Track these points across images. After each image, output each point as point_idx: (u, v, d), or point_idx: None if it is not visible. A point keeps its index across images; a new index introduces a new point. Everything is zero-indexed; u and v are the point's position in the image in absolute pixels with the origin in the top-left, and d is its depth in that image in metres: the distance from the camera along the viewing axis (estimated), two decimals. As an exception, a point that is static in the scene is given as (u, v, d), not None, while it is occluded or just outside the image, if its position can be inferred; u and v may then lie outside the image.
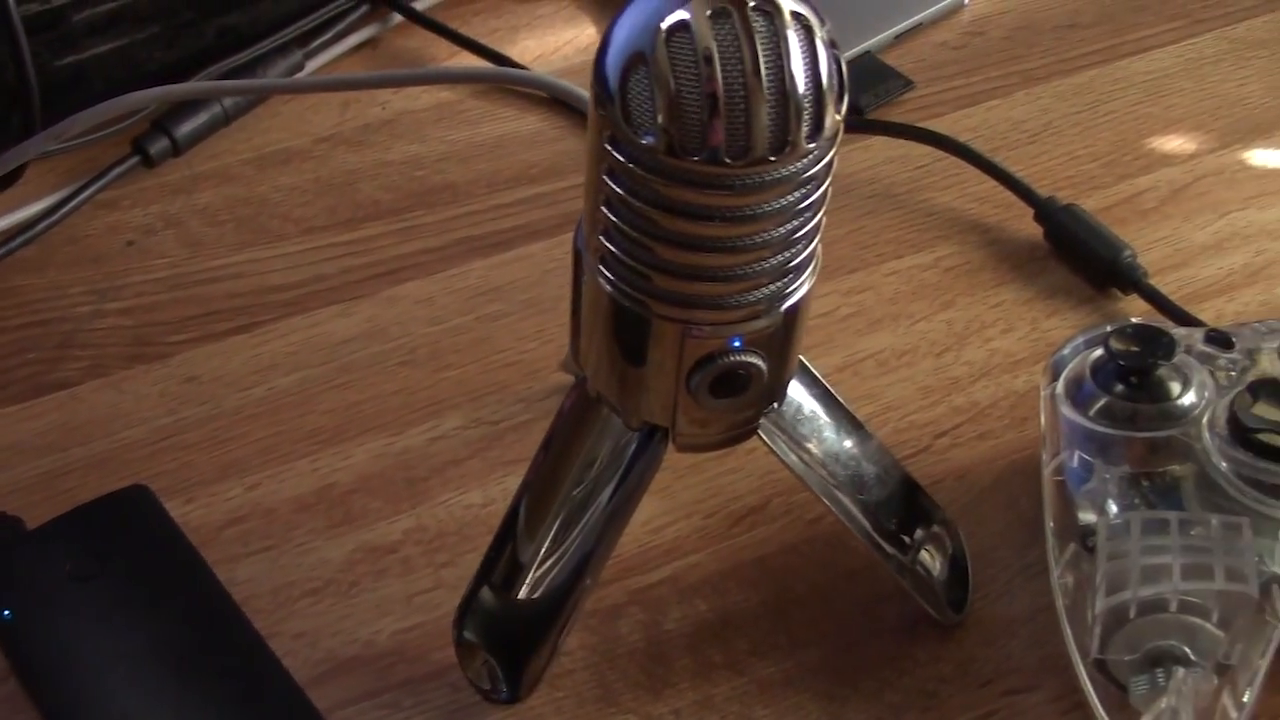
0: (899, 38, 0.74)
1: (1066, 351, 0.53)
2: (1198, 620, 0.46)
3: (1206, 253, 0.64)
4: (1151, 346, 0.50)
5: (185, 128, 0.68)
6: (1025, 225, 0.65)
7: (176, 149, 0.68)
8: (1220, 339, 0.51)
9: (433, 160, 0.69)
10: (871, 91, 0.71)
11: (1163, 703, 0.45)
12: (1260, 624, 0.46)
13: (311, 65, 0.72)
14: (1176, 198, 0.66)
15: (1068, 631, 0.48)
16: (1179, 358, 0.51)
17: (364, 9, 0.74)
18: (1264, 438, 0.47)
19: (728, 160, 0.38)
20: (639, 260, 0.41)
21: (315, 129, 0.70)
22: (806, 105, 0.39)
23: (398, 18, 0.75)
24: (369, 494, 0.56)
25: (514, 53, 0.74)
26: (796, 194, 0.40)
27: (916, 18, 0.74)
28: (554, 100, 0.71)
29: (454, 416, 0.59)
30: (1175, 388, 0.50)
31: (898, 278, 0.63)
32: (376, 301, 0.63)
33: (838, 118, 0.40)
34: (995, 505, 0.55)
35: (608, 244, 0.42)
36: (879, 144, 0.68)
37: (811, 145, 0.39)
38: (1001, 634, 0.52)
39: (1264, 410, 0.47)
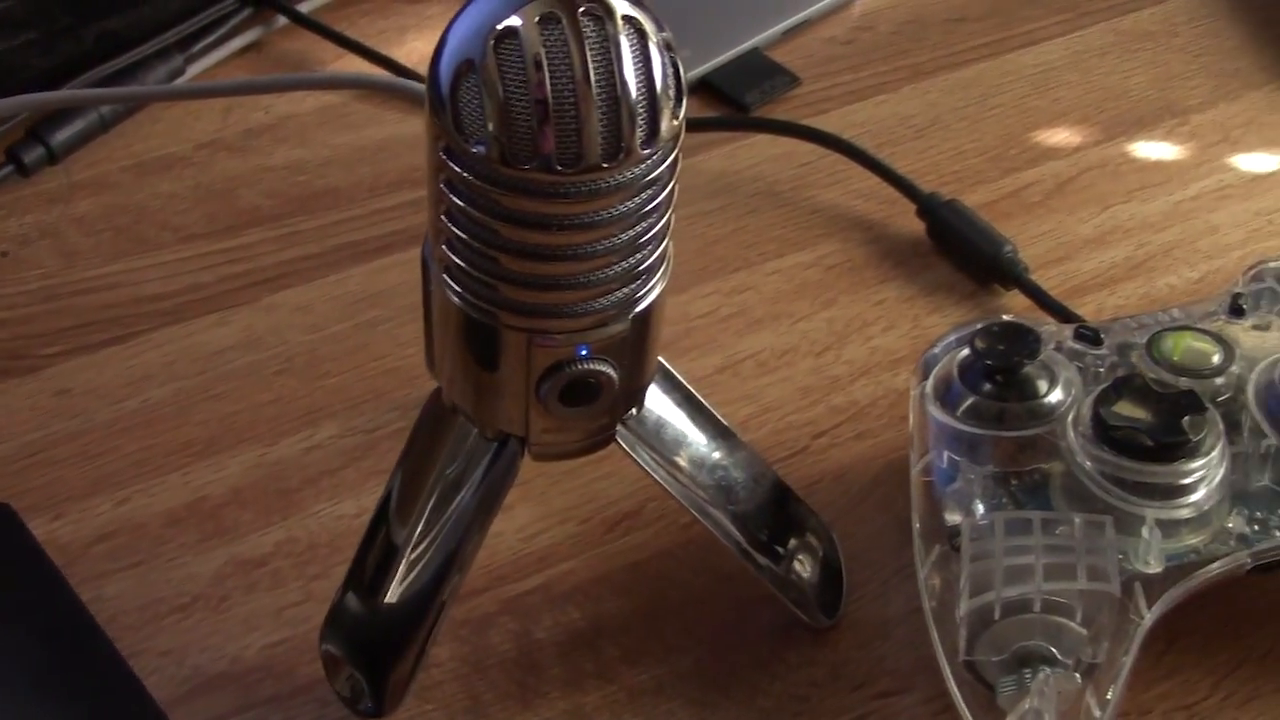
0: (787, 34, 0.73)
1: (937, 350, 0.52)
2: (1062, 620, 0.45)
3: (1089, 246, 0.64)
4: (1017, 345, 0.49)
5: (61, 135, 0.67)
6: (909, 222, 0.64)
7: (53, 157, 0.67)
8: (1089, 335, 0.51)
9: (315, 165, 0.68)
10: (757, 89, 0.70)
11: (1025, 704, 0.45)
12: (1124, 622, 0.46)
13: (193, 70, 0.71)
14: (1061, 191, 0.66)
15: (934, 634, 0.47)
16: (1047, 355, 0.50)
17: (247, 12, 0.73)
18: (1124, 436, 0.46)
19: (560, 168, 0.38)
20: (482, 270, 0.41)
21: (197, 135, 0.69)
22: (640, 110, 0.38)
23: (282, 20, 0.74)
24: (241, 506, 0.55)
25: (401, 54, 0.73)
26: (637, 199, 0.40)
27: (805, 13, 0.74)
28: (438, 102, 0.70)
29: (329, 425, 0.58)
30: (1042, 385, 0.49)
31: (780, 276, 0.63)
32: (255, 310, 0.62)
33: (675, 122, 0.39)
34: (872, 506, 0.55)
35: (451, 254, 0.41)
36: (763, 142, 0.68)
37: (647, 151, 0.38)
38: (875, 636, 0.52)
39: (1125, 408, 0.47)
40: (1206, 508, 0.47)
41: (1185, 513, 0.47)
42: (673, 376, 0.48)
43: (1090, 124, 0.69)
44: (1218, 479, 0.47)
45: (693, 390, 0.49)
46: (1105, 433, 0.47)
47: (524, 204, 0.39)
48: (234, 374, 0.59)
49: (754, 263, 0.63)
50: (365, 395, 0.59)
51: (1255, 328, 0.52)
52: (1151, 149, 0.68)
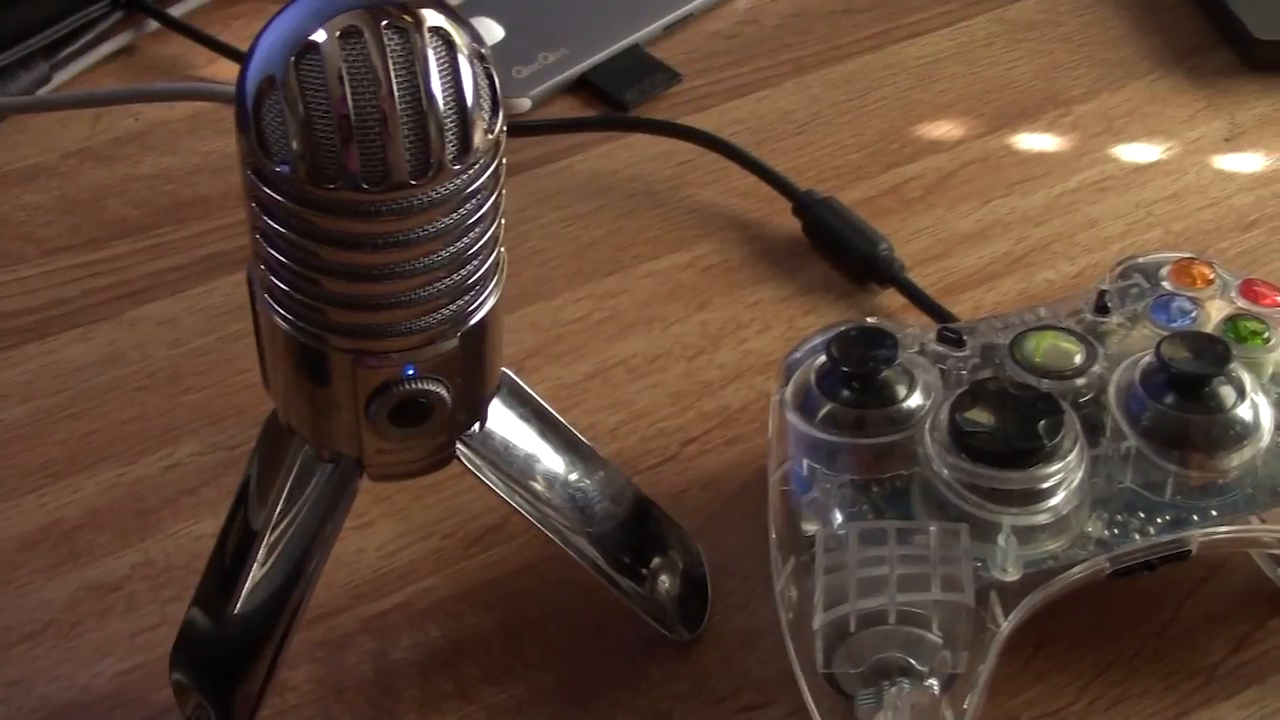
0: (670, 29, 0.72)
1: (799, 354, 0.51)
2: (918, 631, 0.45)
3: (968, 242, 0.63)
4: (874, 350, 0.48)
5: (-79, 148, 0.65)
6: (786, 220, 0.63)
7: (-88, 170, 0.65)
8: (952, 337, 0.50)
9: (185, 173, 0.66)
10: (637, 86, 0.69)
11: (880, 717, 0.44)
12: (980, 632, 0.45)
13: (60, 77, 0.70)
14: (942, 185, 0.65)
15: (791, 647, 0.47)
16: (908, 358, 0.49)
17: (117, 16, 0.72)
18: (979, 441, 0.46)
19: (367, 187, 0.37)
20: (301, 291, 0.40)
21: (64, 143, 0.68)
22: (450, 124, 0.37)
23: (153, 24, 0.73)
24: (97, 529, 0.54)
25: (277, 56, 0.72)
26: (457, 213, 0.39)
27: (688, 7, 0.73)
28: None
29: (190, 443, 0.56)
30: (901, 390, 0.48)
31: (654, 279, 0.62)
32: (118, 324, 0.60)
33: (489, 135, 0.38)
34: (740, 514, 0.54)
35: (269, 274, 0.40)
36: (642, 141, 0.67)
37: (459, 166, 0.37)
38: (740, 649, 0.51)
39: (980, 413, 0.46)
40: (1065, 512, 0.46)
41: (1043, 518, 0.46)
42: (521, 391, 0.47)
43: (973, 116, 0.68)
44: (1076, 482, 0.46)
45: (545, 404, 0.48)
46: (960, 439, 0.46)
47: (335, 224, 0.38)
48: (94, 391, 0.58)
49: (628, 265, 0.62)
50: (228, 411, 0.57)
51: (1120, 325, 0.51)
52: (1034, 140, 0.67)
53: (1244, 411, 0.47)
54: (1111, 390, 0.48)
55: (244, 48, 0.70)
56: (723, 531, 0.53)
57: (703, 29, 0.73)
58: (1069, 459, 0.46)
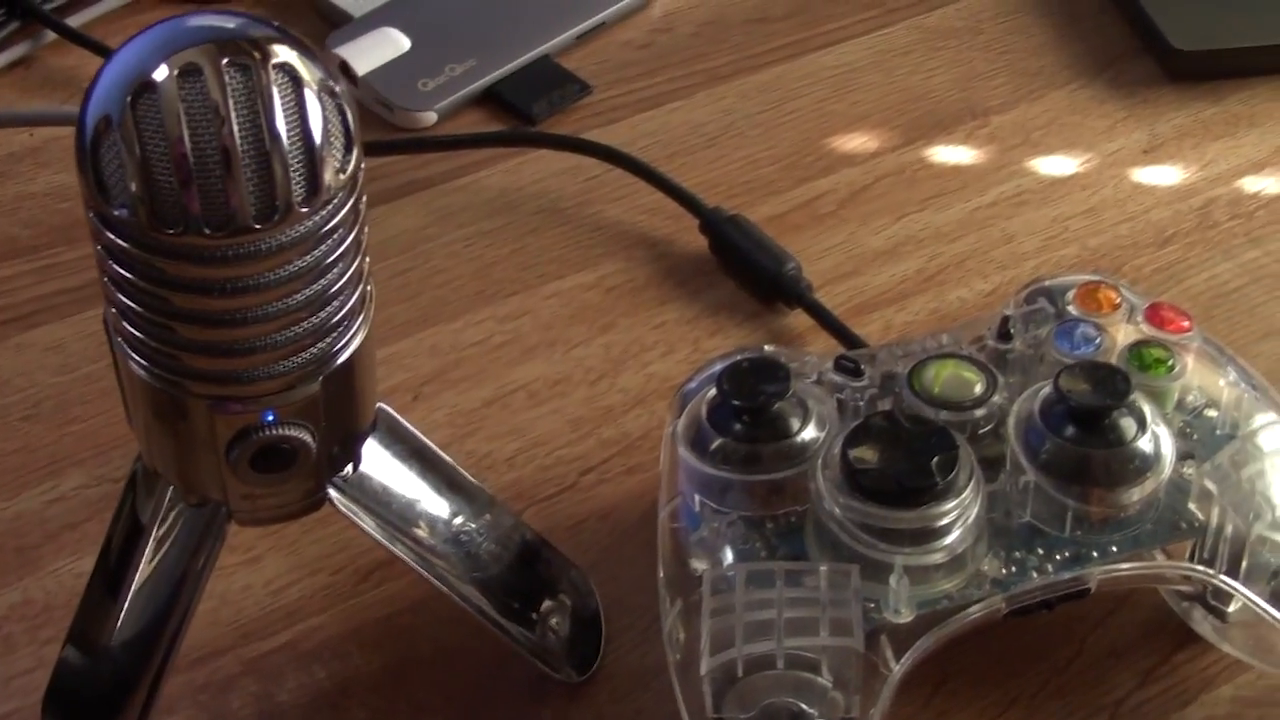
0: (582, 38, 0.70)
1: (694, 384, 0.50)
2: (808, 675, 0.43)
3: (880, 259, 0.62)
4: (766, 382, 0.47)
5: None
6: (693, 238, 0.62)
7: None
8: (850, 367, 0.49)
9: (79, 191, 0.64)
10: (545, 99, 0.67)
11: (768, 766, 0.42)
12: (872, 675, 0.43)
13: (-48, 91, 0.68)
14: (855, 200, 0.64)
15: (679, 691, 0.45)
16: (803, 388, 0.48)
17: (13, 26, 0.70)
18: (869, 480, 0.44)
19: (208, 231, 0.35)
20: (152, 336, 0.38)
21: (-44, 160, 0.66)
22: (296, 165, 0.35)
23: (51, 35, 0.71)
24: (-26, 567, 0.52)
25: (180, 68, 0.70)
26: (311, 255, 0.37)
27: (599, 16, 0.71)
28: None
29: (76, 475, 0.55)
30: (795, 423, 0.47)
31: (558, 300, 0.60)
32: (2, 350, 0.59)
33: (342, 175, 0.36)
34: (638, 546, 0.52)
35: (120, 318, 0.38)
36: (549, 156, 0.65)
37: (307, 209, 0.36)
38: (634, 688, 0.49)
39: (872, 449, 0.45)
40: (960, 550, 0.44)
41: (936, 558, 0.44)
42: (400, 429, 0.46)
43: (889, 128, 0.67)
44: (972, 519, 0.45)
45: (427, 442, 0.47)
46: (851, 477, 0.44)
47: (181, 269, 0.36)
48: (-22, 422, 0.56)
49: (532, 285, 0.61)
50: (116, 441, 0.56)
51: (1023, 353, 0.49)
52: (950, 153, 0.66)
53: (1145, 444, 0.46)
54: (1011, 422, 0.47)
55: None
56: (619, 565, 0.52)
57: (615, 38, 0.71)
58: (964, 496, 0.44)
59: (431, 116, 0.67)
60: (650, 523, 0.52)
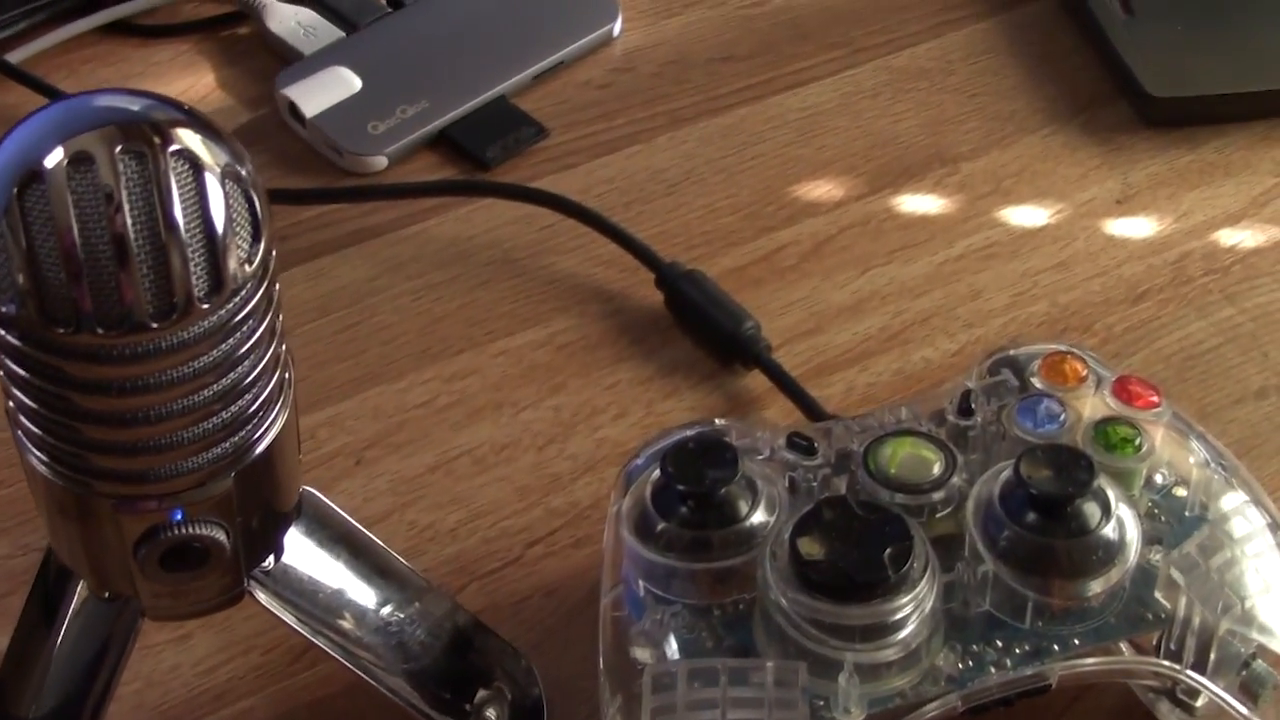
0: (539, 78, 0.68)
1: (640, 461, 0.48)
2: (753, 778, 0.41)
3: (843, 315, 0.59)
4: (713, 464, 0.44)
5: None
6: (649, 292, 0.60)
7: None
8: (803, 445, 0.47)
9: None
10: (499, 143, 0.65)
11: None
12: (823, 778, 0.41)
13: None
14: (818, 252, 0.62)
15: (619, 791, 0.43)
16: (753, 467, 0.46)
17: (-50, 64, 0.68)
18: (819, 573, 0.42)
19: (100, 330, 0.33)
20: (51, 434, 0.36)
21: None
22: (195, 258, 0.33)
23: (-9, 71, 0.68)
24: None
25: (124, 106, 0.67)
26: (218, 350, 0.35)
27: (558, 55, 0.69)
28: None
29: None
30: (743, 507, 0.45)
31: (507, 358, 0.58)
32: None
33: (248, 266, 0.34)
34: (585, 625, 0.50)
35: (17, 411, 0.36)
36: (502, 203, 0.63)
37: (208, 305, 0.33)
38: (576, 780, 0.47)
39: (822, 539, 0.42)
40: (914, 645, 0.42)
41: (889, 654, 0.42)
42: (326, 513, 0.44)
43: (855, 175, 0.65)
44: (927, 611, 0.42)
45: (355, 525, 0.44)
46: (799, 569, 0.42)
47: (76, 368, 0.34)
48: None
49: (480, 342, 0.58)
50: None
51: (984, 429, 0.47)
52: (918, 202, 0.64)
53: (1109, 532, 0.44)
54: (970, 506, 0.45)
55: (88, 97, 0.67)
56: (564, 646, 0.50)
57: (575, 77, 0.69)
58: (918, 589, 0.42)
59: (382, 161, 0.64)
60: (597, 599, 0.50)
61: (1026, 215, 0.63)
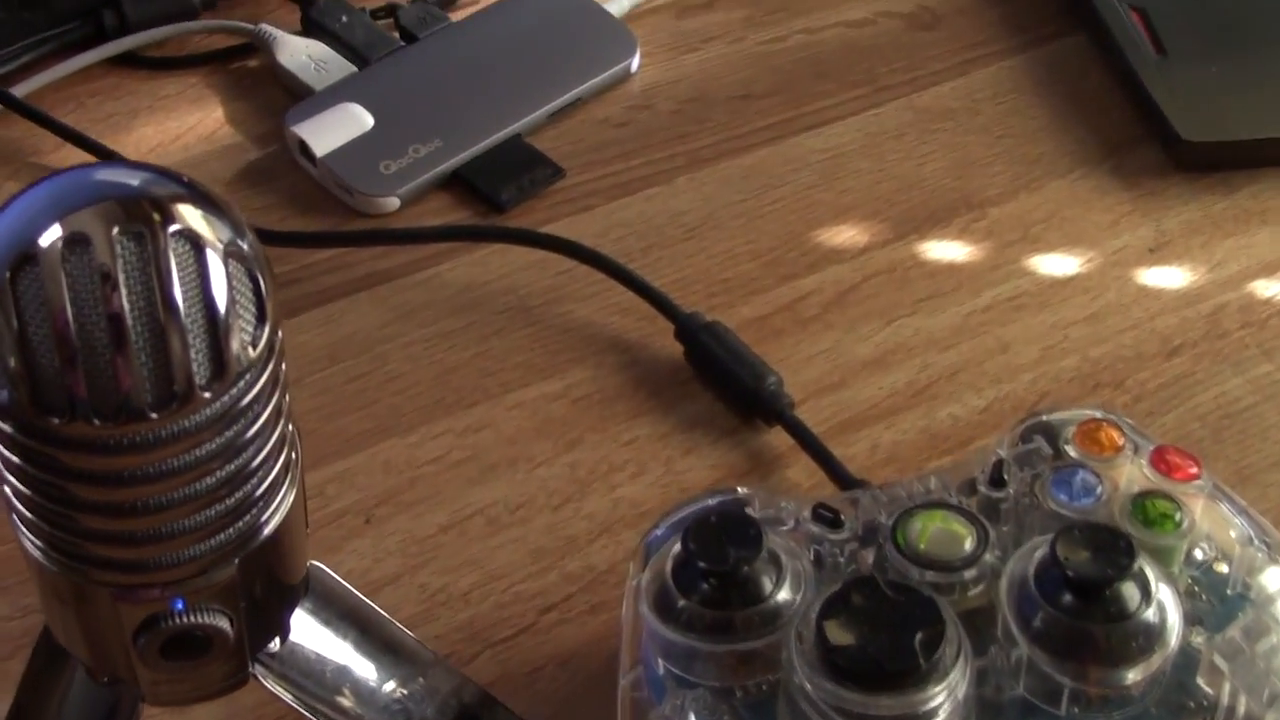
0: (555, 115, 0.66)
1: (660, 531, 0.46)
2: None
3: (868, 369, 0.58)
4: (736, 540, 0.43)
5: None
6: (668, 342, 0.58)
7: None
8: (828, 517, 0.45)
9: None
10: (515, 184, 0.63)
11: None
12: None
13: (-115, 169, 0.64)
14: (842, 302, 0.60)
15: None
16: (776, 542, 0.44)
17: (-47, 98, 0.66)
18: (847, 659, 0.40)
19: (96, 420, 0.31)
20: (45, 520, 0.34)
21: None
22: (196, 343, 0.31)
23: (-3, 105, 0.67)
24: (-118, 710, 0.48)
25: (130, 141, 0.66)
26: (222, 438, 0.33)
27: (575, 92, 0.67)
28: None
29: (-2, 604, 0.51)
30: (767, 585, 0.43)
31: (522, 411, 0.56)
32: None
33: (253, 350, 0.32)
34: (601, 697, 0.48)
35: (13, 498, 0.34)
36: (517, 248, 0.61)
37: (211, 393, 0.32)
38: None
39: (850, 623, 0.41)
40: (945, 734, 0.41)
41: (920, 743, 0.40)
42: (332, 589, 0.42)
43: (879, 219, 0.63)
44: (960, 698, 0.41)
45: (361, 599, 0.43)
46: (827, 654, 0.40)
47: (71, 457, 0.32)
48: None
49: (494, 394, 0.57)
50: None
51: (1017, 502, 0.45)
52: (944, 249, 0.62)
53: (1150, 615, 0.42)
54: (1004, 584, 0.43)
55: (97, 130, 0.65)
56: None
57: (592, 115, 0.67)
58: (950, 677, 0.40)
59: (394, 202, 0.63)
60: (615, 670, 0.48)
61: (1056, 264, 0.61)
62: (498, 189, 0.63)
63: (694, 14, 0.71)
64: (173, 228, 0.31)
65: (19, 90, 0.67)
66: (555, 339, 0.59)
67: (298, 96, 0.67)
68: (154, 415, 0.31)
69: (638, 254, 0.61)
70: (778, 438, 0.55)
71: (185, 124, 0.67)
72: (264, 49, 0.68)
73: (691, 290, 0.60)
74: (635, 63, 0.68)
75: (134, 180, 0.32)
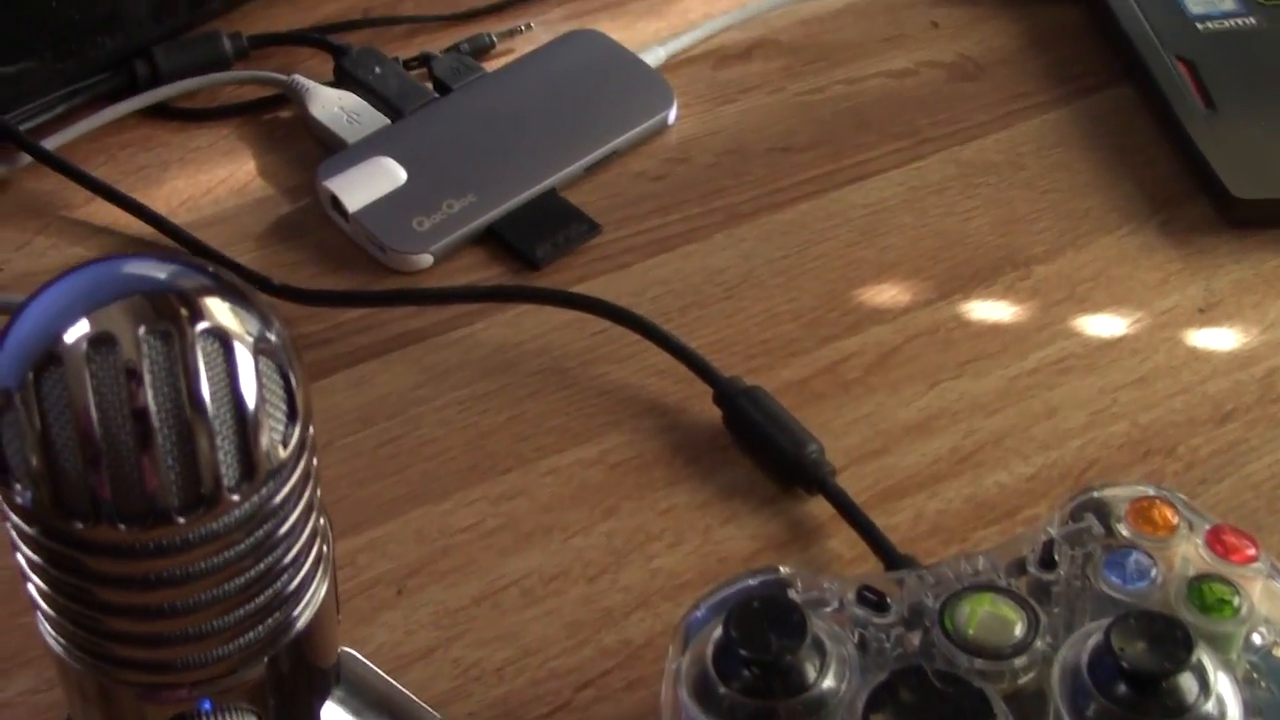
0: (591, 169, 0.65)
1: (701, 612, 0.44)
2: None
3: (911, 435, 0.56)
4: (778, 627, 0.41)
5: None
6: (707, 406, 0.57)
7: None
8: (873, 600, 0.44)
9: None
10: (549, 240, 0.62)
11: None
12: None
13: (-85, 223, 0.63)
14: (884, 364, 0.59)
15: None
16: (820, 626, 0.43)
17: (-15, 149, 0.65)
18: (894, 757, 0.39)
19: (121, 524, 0.30)
20: (70, 620, 0.33)
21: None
22: (224, 444, 0.30)
23: (27, 158, 0.66)
24: (-95, 787, 0.47)
25: (161, 195, 0.65)
26: (251, 539, 0.32)
27: (611, 145, 0.66)
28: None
29: (23, 678, 0.50)
30: (811, 672, 0.42)
31: (556, 478, 0.55)
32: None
33: (284, 448, 0.31)
34: (638, 780, 0.47)
35: (36, 595, 0.33)
36: (551, 307, 0.60)
37: (239, 495, 0.31)
38: None
39: (897, 717, 0.39)
40: (997, 833, 0.39)
41: (970, 842, 0.39)
42: (363, 677, 0.41)
43: (922, 278, 0.62)
44: (1012, 795, 0.39)
45: (392, 685, 0.42)
46: (874, 749, 0.39)
47: (94, 562, 0.31)
48: None
49: (529, 460, 0.56)
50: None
51: (1068, 584, 0.44)
52: (989, 309, 0.60)
53: (1209, 708, 0.40)
54: (1056, 672, 0.42)
55: (125, 184, 0.65)
56: (616, 804, 0.47)
57: (628, 168, 0.66)
58: (1001, 775, 0.39)
59: (427, 259, 0.62)
60: (651, 751, 0.47)
61: (1103, 324, 0.60)
62: (532, 246, 0.62)
63: (732, 64, 0.70)
64: (200, 325, 0.30)
65: (51, 142, 0.66)
66: (591, 402, 0.57)
67: (330, 149, 0.66)
68: (181, 519, 0.30)
69: (675, 313, 0.60)
70: (819, 507, 0.54)
71: (216, 176, 0.66)
72: (296, 100, 0.68)
73: (730, 351, 0.59)
74: (673, 114, 0.67)
75: (160, 274, 0.31)
